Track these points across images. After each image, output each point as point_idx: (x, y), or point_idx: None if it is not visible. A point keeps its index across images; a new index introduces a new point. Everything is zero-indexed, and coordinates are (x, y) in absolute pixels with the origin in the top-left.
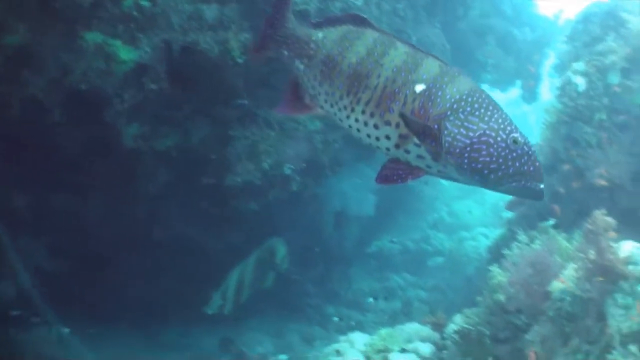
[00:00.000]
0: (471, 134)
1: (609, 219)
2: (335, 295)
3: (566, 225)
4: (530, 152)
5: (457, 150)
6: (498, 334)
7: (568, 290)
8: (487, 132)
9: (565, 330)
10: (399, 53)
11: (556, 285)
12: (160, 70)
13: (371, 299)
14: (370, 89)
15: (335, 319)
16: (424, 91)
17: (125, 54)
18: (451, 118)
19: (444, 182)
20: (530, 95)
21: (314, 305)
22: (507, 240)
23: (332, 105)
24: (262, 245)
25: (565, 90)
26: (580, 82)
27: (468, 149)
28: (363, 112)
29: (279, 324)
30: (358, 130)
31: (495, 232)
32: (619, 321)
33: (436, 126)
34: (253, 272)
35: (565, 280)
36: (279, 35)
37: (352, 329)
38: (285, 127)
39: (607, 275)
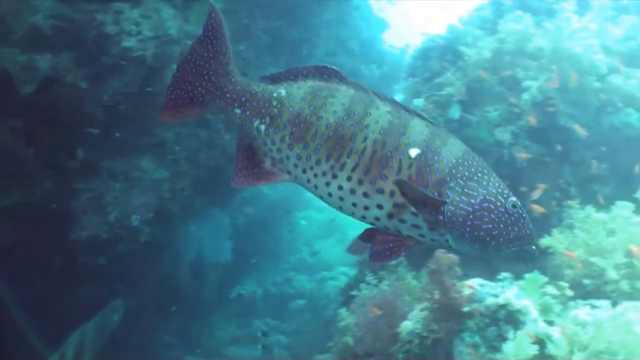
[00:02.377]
0: (472, 200)
1: (452, 256)
2: (196, 345)
3: (417, 264)
4: (524, 215)
5: (460, 219)
6: None
7: (415, 332)
8: (488, 197)
9: None
10: (381, 113)
11: (404, 327)
12: None
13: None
14: (356, 153)
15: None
16: (419, 156)
17: None
18: (451, 184)
19: (303, 221)
20: None
21: (174, 357)
22: (358, 281)
23: (304, 171)
24: (104, 308)
25: None
26: None
27: (471, 216)
28: (349, 179)
29: None
30: (341, 198)
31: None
32: None
33: (435, 193)
34: (94, 333)
35: (412, 321)
36: (222, 91)
37: None
38: (129, 177)
39: (453, 314)
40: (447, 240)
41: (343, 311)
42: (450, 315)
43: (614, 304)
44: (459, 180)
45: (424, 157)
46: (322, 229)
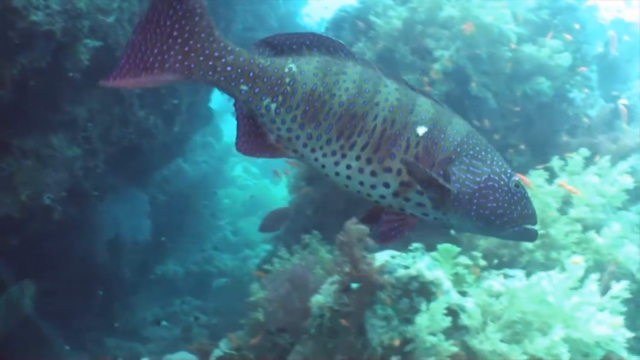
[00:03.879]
0: (478, 178)
1: (363, 227)
2: (117, 326)
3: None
4: (526, 195)
5: (467, 197)
6: (265, 356)
7: (327, 306)
8: (492, 176)
9: (328, 347)
10: (390, 90)
11: (315, 301)
12: None
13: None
14: (366, 132)
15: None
16: (426, 134)
17: None
18: (456, 162)
19: (226, 199)
20: None
21: (94, 339)
22: (272, 256)
23: (313, 150)
24: (10, 289)
25: None
26: None
27: (477, 194)
28: (357, 158)
29: None
30: (348, 177)
31: None
32: (379, 333)
33: (441, 172)
34: (2, 313)
35: (324, 294)
36: (218, 62)
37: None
38: (41, 154)
39: (364, 287)
40: (450, 219)
41: (255, 286)
42: (361, 288)
43: (529, 275)
44: (464, 159)
45: (431, 135)
46: (245, 206)
